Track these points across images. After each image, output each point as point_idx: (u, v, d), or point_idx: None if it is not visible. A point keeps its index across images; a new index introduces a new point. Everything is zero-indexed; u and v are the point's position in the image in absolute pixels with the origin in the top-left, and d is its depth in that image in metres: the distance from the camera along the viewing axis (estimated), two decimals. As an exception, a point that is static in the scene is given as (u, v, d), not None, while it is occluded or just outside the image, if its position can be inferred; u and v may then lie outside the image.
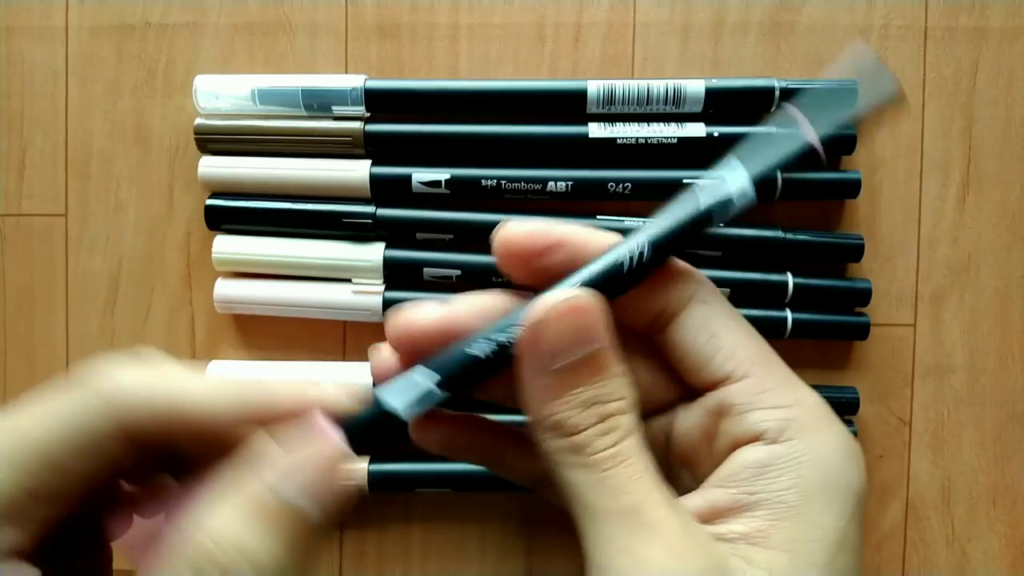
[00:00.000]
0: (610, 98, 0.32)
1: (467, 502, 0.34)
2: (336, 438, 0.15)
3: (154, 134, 0.34)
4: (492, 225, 0.33)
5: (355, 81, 0.32)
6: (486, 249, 0.33)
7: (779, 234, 0.32)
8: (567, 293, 0.15)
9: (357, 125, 0.32)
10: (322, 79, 0.32)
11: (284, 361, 0.34)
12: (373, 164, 0.33)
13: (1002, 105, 0.34)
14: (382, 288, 0.33)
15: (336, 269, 0.33)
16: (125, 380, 0.15)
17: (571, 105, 0.32)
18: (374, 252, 0.33)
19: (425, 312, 0.17)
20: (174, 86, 0.34)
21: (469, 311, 0.17)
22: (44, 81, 0.35)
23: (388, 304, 0.33)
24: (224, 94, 0.33)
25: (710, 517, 0.16)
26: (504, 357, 0.16)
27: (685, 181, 0.32)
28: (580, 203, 0.33)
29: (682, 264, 0.19)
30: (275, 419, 0.16)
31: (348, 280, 0.33)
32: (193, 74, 0.33)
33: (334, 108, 0.32)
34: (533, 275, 0.17)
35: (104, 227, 0.35)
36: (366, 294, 0.33)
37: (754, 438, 0.16)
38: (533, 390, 0.16)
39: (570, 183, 0.32)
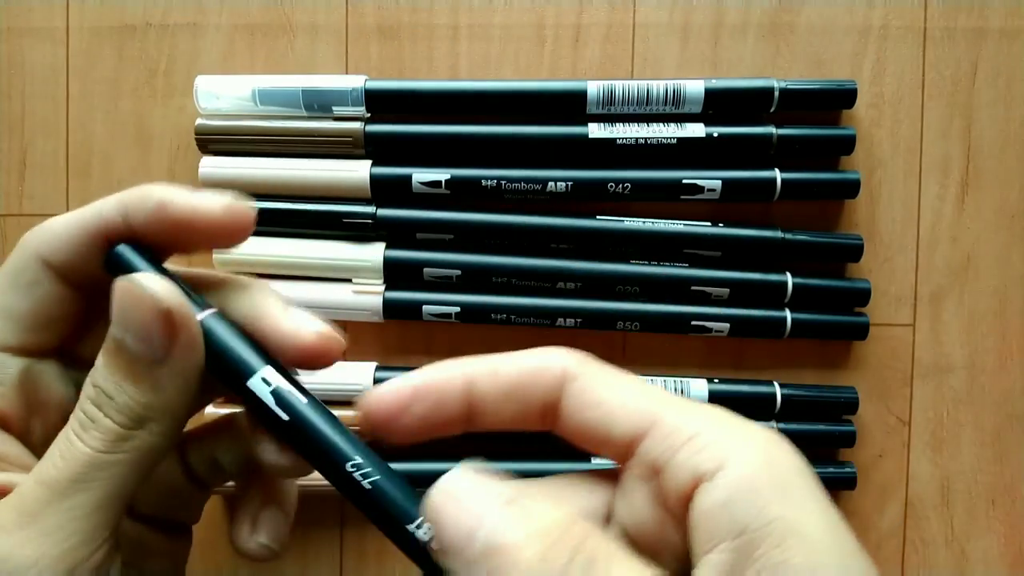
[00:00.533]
0: (610, 98, 0.32)
1: (467, 502, 0.34)
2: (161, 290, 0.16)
3: (155, 135, 0.35)
4: (492, 225, 0.33)
5: (355, 82, 0.32)
6: (486, 249, 0.33)
7: (778, 234, 0.33)
8: (443, 487, 0.15)
9: (357, 125, 0.32)
10: (322, 79, 0.33)
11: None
12: (373, 164, 0.33)
13: (1001, 105, 0.34)
14: (382, 288, 0.33)
15: (337, 269, 0.33)
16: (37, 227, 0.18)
17: (571, 105, 0.32)
18: (374, 252, 0.33)
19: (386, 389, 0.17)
20: (175, 87, 0.34)
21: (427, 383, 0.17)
22: (45, 81, 0.35)
23: (388, 304, 0.33)
24: (225, 95, 0.33)
25: None
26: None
27: (684, 181, 0.32)
28: (580, 203, 0.33)
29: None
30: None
31: (349, 280, 0.33)
32: (194, 75, 0.33)
33: (334, 108, 0.33)
34: (408, 435, 0.17)
35: (105, 227, 0.35)
36: (366, 294, 0.33)
37: (696, 481, 0.14)
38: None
39: (570, 183, 0.32)
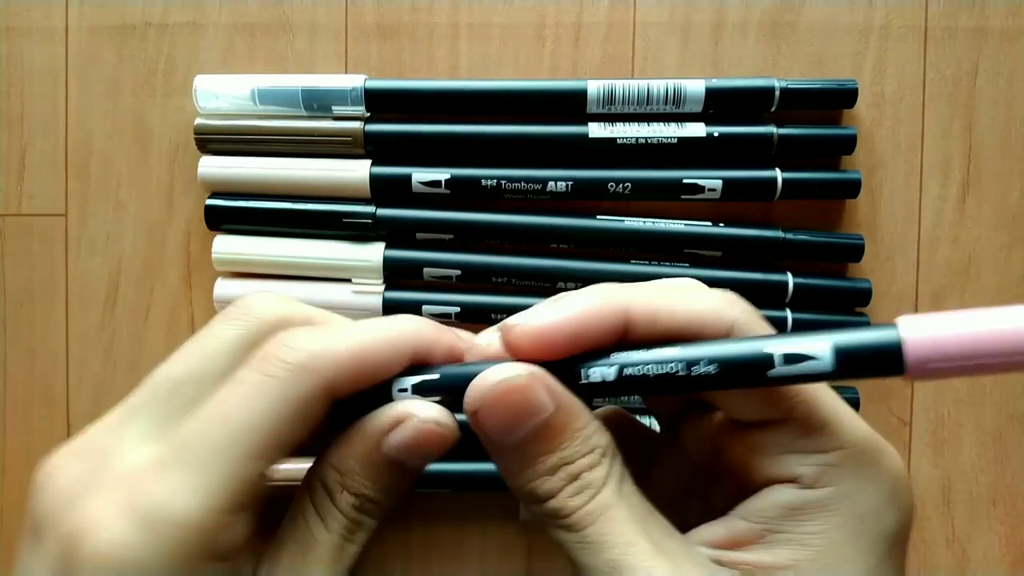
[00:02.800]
0: (610, 98, 0.32)
1: (467, 502, 0.34)
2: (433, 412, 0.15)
3: (154, 134, 0.35)
4: (492, 225, 0.33)
5: (355, 81, 0.32)
6: (486, 249, 0.33)
7: (779, 234, 0.32)
8: (500, 374, 0.15)
9: (357, 125, 0.32)
10: (322, 79, 0.32)
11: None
12: (373, 164, 0.33)
13: (1002, 105, 0.34)
14: (382, 288, 0.33)
15: (336, 269, 0.33)
16: (317, 348, 0.15)
17: (571, 105, 0.32)
18: (374, 252, 0.33)
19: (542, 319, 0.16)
20: (174, 86, 0.34)
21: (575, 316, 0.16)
22: (44, 81, 0.35)
23: (388, 304, 0.33)
24: (224, 94, 0.33)
25: (730, 546, 0.16)
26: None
27: (685, 181, 0.32)
28: (580, 203, 0.33)
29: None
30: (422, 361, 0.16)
31: (348, 280, 0.33)
32: (193, 74, 0.33)
33: (334, 108, 0.32)
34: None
35: (104, 227, 0.35)
36: (366, 294, 0.33)
37: (788, 480, 0.16)
38: (498, 462, 0.16)
39: (570, 183, 0.32)
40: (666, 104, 0.32)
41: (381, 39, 0.34)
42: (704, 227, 0.33)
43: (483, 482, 0.32)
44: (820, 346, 0.14)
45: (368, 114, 0.33)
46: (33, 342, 0.35)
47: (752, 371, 0.15)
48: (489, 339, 0.16)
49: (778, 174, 0.32)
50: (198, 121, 0.33)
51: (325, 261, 0.33)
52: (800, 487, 0.15)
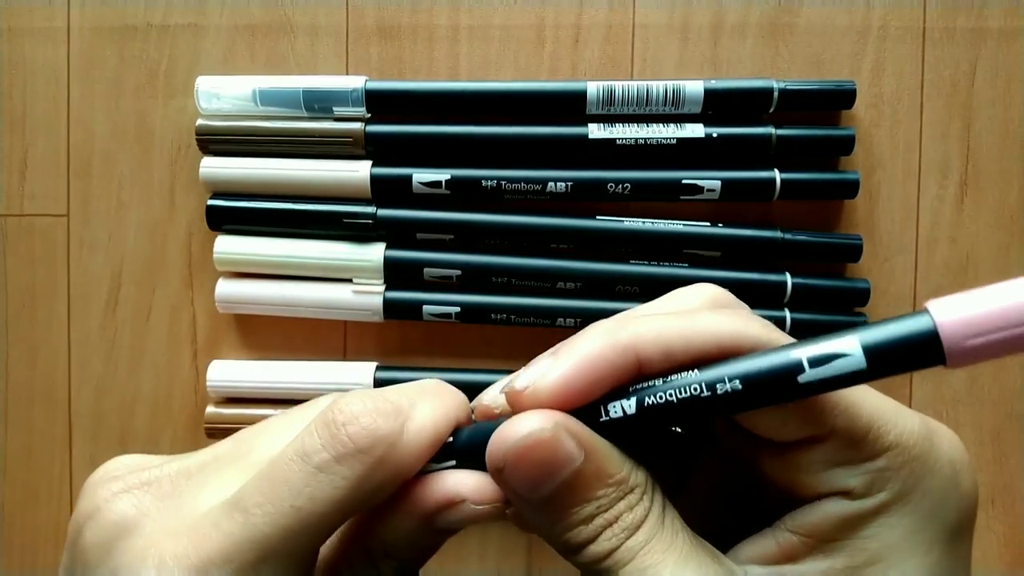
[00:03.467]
0: (609, 99, 0.32)
1: (467, 501, 0.34)
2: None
3: (155, 135, 0.35)
4: (492, 225, 0.33)
5: (356, 82, 0.32)
6: (486, 249, 0.33)
7: (778, 234, 0.33)
8: (521, 428, 0.14)
9: (358, 126, 0.32)
10: (323, 80, 0.33)
11: (285, 361, 0.34)
12: (374, 165, 0.33)
13: (1000, 106, 0.34)
14: (382, 288, 0.33)
15: (337, 269, 0.33)
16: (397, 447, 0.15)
17: (571, 106, 0.32)
18: (375, 252, 0.33)
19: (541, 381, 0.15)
20: (176, 87, 0.34)
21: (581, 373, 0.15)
22: (46, 82, 0.35)
23: (388, 304, 0.33)
24: (225, 95, 0.33)
25: (782, 560, 0.15)
26: None
27: (684, 182, 0.32)
28: (580, 203, 0.33)
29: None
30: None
31: (349, 280, 0.33)
32: (194, 75, 0.33)
33: (335, 109, 0.33)
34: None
35: (106, 227, 0.35)
36: (367, 294, 0.33)
37: (839, 493, 0.15)
38: (529, 518, 0.15)
39: (570, 183, 0.32)
40: (665, 105, 0.32)
41: (382, 40, 0.34)
42: (703, 227, 0.33)
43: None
44: (848, 343, 0.13)
45: (369, 115, 0.33)
46: (35, 342, 0.35)
47: (781, 381, 0.14)
48: (495, 401, 0.16)
49: (777, 175, 0.32)
50: (199, 122, 0.33)
51: (326, 261, 0.33)
52: (852, 499, 0.15)
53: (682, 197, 0.32)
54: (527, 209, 0.33)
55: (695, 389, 0.14)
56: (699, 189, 0.32)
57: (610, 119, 0.33)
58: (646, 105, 0.32)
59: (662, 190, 0.32)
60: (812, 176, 0.33)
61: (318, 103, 0.33)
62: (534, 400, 0.14)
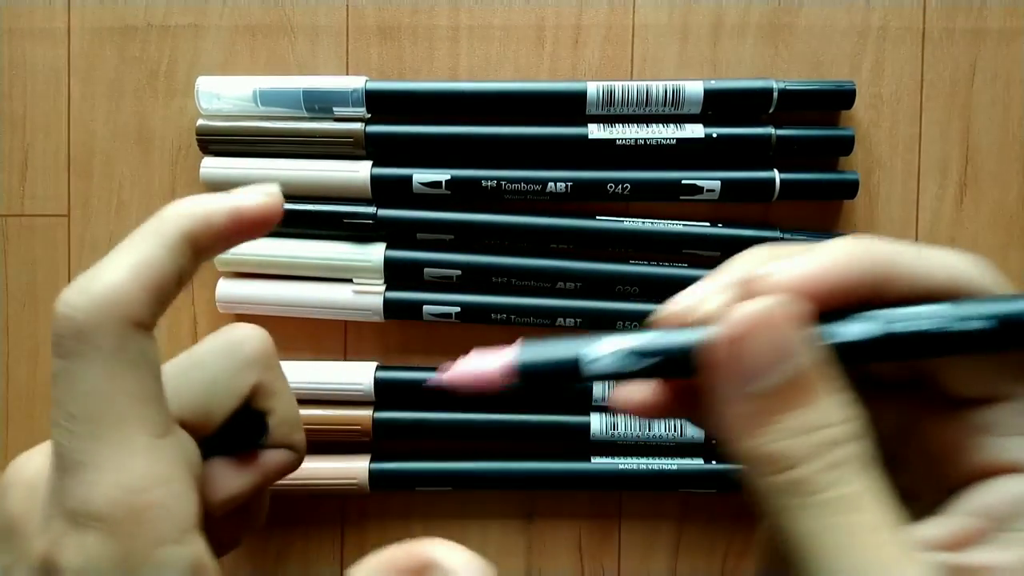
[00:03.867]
0: (609, 99, 0.32)
1: (467, 501, 0.34)
2: None
3: (156, 135, 0.35)
4: (492, 225, 0.33)
5: (356, 83, 0.32)
6: (486, 249, 0.34)
7: (777, 235, 0.33)
8: (763, 302, 0.13)
9: (358, 126, 0.33)
10: (323, 80, 0.33)
11: (285, 360, 0.34)
12: (374, 165, 0.33)
13: (1000, 106, 0.34)
14: (383, 288, 0.33)
15: (337, 269, 0.33)
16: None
17: (571, 106, 0.32)
18: (375, 252, 0.33)
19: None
20: (176, 87, 0.35)
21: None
22: (46, 82, 0.35)
23: (389, 304, 0.33)
24: (226, 95, 0.33)
25: (953, 547, 0.14)
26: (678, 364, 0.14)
27: (684, 182, 0.32)
28: (580, 203, 0.33)
29: None
30: None
31: (349, 280, 0.33)
32: (195, 75, 0.33)
33: (335, 109, 0.33)
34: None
35: (106, 228, 0.35)
36: (367, 294, 0.33)
37: (1019, 469, 0.14)
38: (733, 417, 0.13)
39: (570, 184, 0.32)
40: (665, 105, 0.32)
41: (382, 41, 0.34)
42: (703, 228, 0.33)
43: (483, 480, 0.33)
44: None
45: (369, 115, 0.33)
46: (36, 342, 0.35)
47: None
48: (712, 295, 0.14)
49: (776, 175, 0.32)
50: (200, 122, 0.33)
51: (326, 261, 0.33)
52: None
53: (682, 197, 0.33)
54: (527, 209, 0.33)
55: (946, 322, 0.13)
56: (699, 189, 0.32)
57: (610, 119, 0.33)
58: (646, 105, 0.32)
59: (662, 190, 0.33)
60: (812, 176, 0.33)
61: (318, 103, 0.33)
62: (775, 287, 0.13)
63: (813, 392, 0.13)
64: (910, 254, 0.14)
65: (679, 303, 0.15)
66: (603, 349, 0.14)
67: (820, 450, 0.13)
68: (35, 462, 0.17)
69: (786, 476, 0.13)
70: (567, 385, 0.15)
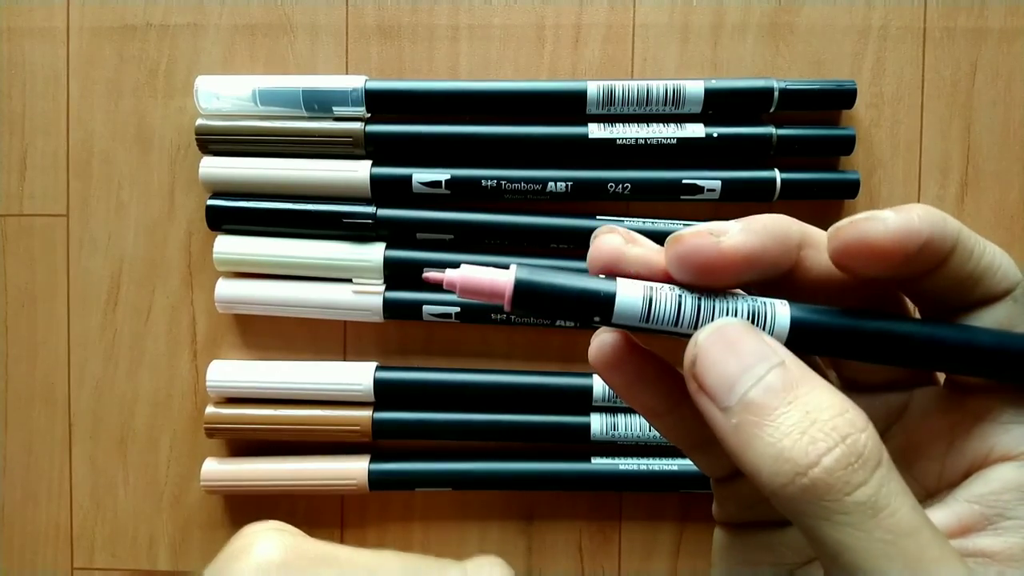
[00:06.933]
0: (610, 99, 0.32)
1: (467, 501, 0.34)
2: None
3: (155, 135, 0.35)
4: (492, 225, 0.33)
5: (355, 82, 0.32)
6: (486, 249, 0.33)
7: (778, 234, 0.33)
8: (713, 324, 0.14)
9: (358, 126, 0.32)
10: (323, 80, 0.33)
11: (285, 361, 0.34)
12: (373, 164, 0.33)
13: (1001, 106, 0.34)
14: (382, 288, 0.33)
15: (337, 269, 0.33)
16: None
17: (571, 106, 0.32)
18: (374, 252, 0.33)
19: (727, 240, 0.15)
20: (175, 87, 0.34)
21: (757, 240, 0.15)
22: (45, 82, 0.35)
23: (388, 304, 0.33)
24: (225, 95, 0.33)
25: (958, 534, 0.14)
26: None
27: (684, 182, 0.32)
28: (580, 203, 0.33)
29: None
30: None
31: (349, 280, 0.33)
32: (194, 75, 0.33)
33: (335, 109, 0.33)
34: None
35: (105, 227, 0.35)
36: (366, 294, 0.33)
37: (1017, 456, 0.14)
38: (727, 434, 0.13)
39: (570, 183, 0.32)
40: (665, 105, 0.32)
41: (381, 40, 0.34)
42: (703, 227, 0.33)
43: (483, 480, 0.33)
44: None
45: (368, 115, 0.33)
46: (34, 342, 0.35)
47: None
48: (644, 253, 0.16)
49: (777, 175, 0.32)
50: (199, 122, 0.33)
51: (326, 261, 0.33)
52: None
53: (682, 197, 0.32)
54: (527, 209, 0.33)
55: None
56: (699, 189, 0.32)
57: (610, 119, 0.33)
58: (646, 105, 0.32)
59: (662, 190, 0.32)
60: (812, 176, 0.33)
61: (318, 103, 0.32)
62: (695, 252, 0.15)
63: (792, 389, 0.13)
64: (818, 232, 0.15)
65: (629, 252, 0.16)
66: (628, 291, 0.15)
67: (820, 449, 0.12)
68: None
69: (797, 484, 0.12)
70: (574, 316, 0.15)
